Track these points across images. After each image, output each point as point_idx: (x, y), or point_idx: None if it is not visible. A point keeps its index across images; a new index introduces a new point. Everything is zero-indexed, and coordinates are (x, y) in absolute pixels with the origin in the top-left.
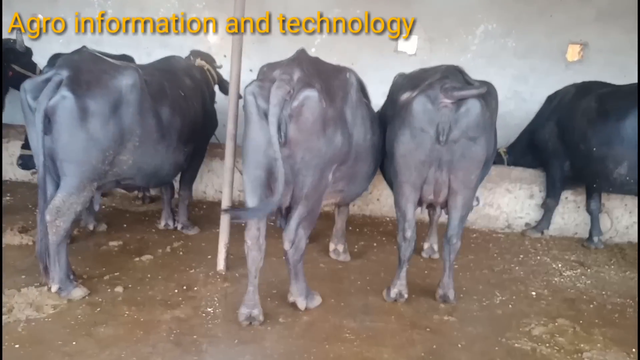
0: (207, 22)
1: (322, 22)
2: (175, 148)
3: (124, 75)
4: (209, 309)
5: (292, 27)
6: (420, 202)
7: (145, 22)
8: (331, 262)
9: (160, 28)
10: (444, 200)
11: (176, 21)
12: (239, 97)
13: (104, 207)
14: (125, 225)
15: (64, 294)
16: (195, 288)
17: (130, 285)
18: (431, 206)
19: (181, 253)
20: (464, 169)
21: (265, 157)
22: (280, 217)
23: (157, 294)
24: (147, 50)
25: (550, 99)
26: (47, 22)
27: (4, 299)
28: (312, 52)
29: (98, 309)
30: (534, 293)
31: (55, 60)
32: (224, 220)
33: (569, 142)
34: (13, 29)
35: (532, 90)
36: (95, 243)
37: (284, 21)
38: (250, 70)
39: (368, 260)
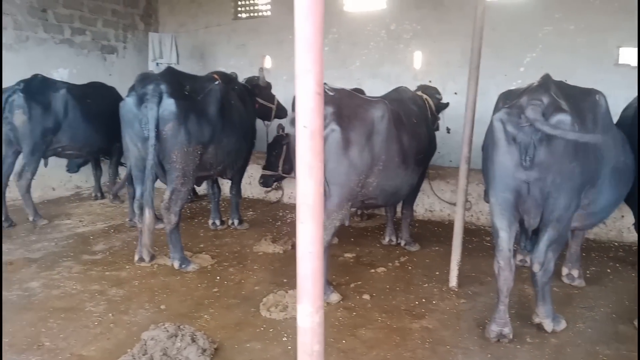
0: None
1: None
2: (411, 170)
3: (375, 108)
4: (453, 323)
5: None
6: None
7: None
8: (564, 286)
9: None
10: None
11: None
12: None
13: None
14: (352, 239)
15: (324, 297)
16: (434, 302)
17: (374, 294)
18: None
19: (410, 267)
20: None
21: (513, 180)
22: (525, 239)
23: (400, 303)
24: (359, 81)
25: None
26: None
27: (277, 298)
28: (521, 70)
29: (354, 313)
30: None
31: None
32: (457, 239)
33: None
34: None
35: None
36: (332, 254)
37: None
38: (455, 94)
39: (605, 287)
